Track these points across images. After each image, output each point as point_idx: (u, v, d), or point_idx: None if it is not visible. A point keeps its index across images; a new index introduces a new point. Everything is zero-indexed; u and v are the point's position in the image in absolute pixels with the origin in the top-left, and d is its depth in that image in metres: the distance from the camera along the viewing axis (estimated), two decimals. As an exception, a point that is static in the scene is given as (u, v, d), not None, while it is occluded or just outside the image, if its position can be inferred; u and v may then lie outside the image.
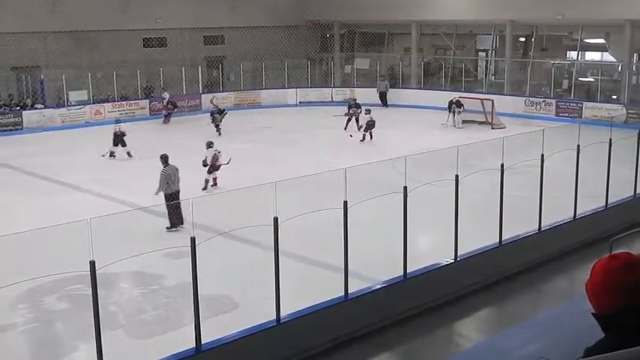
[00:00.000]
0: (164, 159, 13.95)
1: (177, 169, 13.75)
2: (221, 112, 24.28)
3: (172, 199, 13.24)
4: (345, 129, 24.05)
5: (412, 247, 9.87)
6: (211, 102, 26.55)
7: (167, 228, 12.97)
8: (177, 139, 22.82)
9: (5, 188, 16.99)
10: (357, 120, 24.20)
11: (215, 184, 16.11)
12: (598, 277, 2.12)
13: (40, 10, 26.17)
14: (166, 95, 27.90)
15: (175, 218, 12.97)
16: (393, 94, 30.59)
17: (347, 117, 24.55)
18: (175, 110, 27.17)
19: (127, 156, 20.04)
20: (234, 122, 26.90)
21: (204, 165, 15.98)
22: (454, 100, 25.46)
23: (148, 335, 9.24)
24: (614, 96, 27.65)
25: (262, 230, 8.26)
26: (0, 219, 13.42)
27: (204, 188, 15.83)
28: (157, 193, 13.52)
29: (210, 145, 16.27)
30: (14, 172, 19.05)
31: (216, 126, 23.60)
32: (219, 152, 16.15)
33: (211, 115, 24.12)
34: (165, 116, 26.92)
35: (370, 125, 22.67)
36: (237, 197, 11.87)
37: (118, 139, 20.22)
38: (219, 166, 16.06)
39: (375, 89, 30.91)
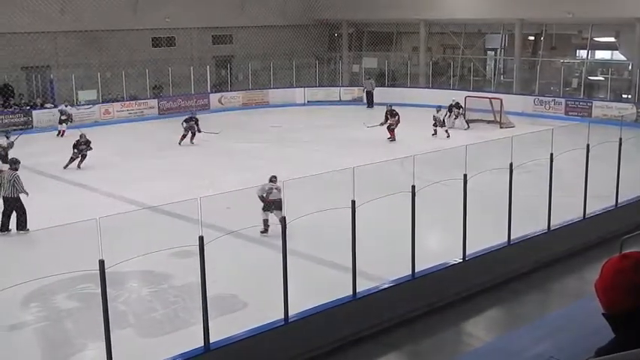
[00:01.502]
0: (13, 162, 14.15)
1: (18, 176, 13.66)
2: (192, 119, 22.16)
3: (5, 204, 13.45)
4: (394, 139, 22.08)
5: (420, 247, 9.84)
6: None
7: None
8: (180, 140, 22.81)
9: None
10: (390, 130, 22.26)
11: (266, 227, 12.49)
12: (608, 276, 2.10)
13: (50, 10, 26.27)
14: (68, 108, 24.94)
15: (2, 222, 13.24)
16: (401, 94, 30.54)
17: (385, 125, 22.38)
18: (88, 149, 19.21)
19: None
20: (242, 122, 26.99)
21: (262, 200, 12.47)
22: (453, 103, 25.36)
23: (156, 334, 9.26)
24: (624, 95, 27.51)
25: (270, 229, 8.30)
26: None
27: (264, 231, 12.43)
28: None
29: (271, 179, 12.61)
30: (24, 171, 19.02)
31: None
32: (274, 187, 12.33)
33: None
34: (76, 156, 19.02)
35: (443, 122, 22.97)
36: (246, 196, 11.86)
37: None
38: (273, 202, 12.24)
39: (362, 88, 30.97)
